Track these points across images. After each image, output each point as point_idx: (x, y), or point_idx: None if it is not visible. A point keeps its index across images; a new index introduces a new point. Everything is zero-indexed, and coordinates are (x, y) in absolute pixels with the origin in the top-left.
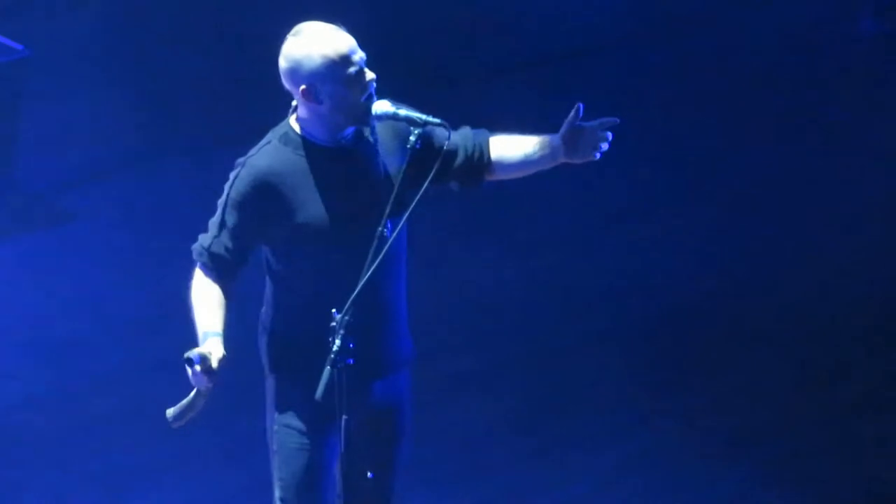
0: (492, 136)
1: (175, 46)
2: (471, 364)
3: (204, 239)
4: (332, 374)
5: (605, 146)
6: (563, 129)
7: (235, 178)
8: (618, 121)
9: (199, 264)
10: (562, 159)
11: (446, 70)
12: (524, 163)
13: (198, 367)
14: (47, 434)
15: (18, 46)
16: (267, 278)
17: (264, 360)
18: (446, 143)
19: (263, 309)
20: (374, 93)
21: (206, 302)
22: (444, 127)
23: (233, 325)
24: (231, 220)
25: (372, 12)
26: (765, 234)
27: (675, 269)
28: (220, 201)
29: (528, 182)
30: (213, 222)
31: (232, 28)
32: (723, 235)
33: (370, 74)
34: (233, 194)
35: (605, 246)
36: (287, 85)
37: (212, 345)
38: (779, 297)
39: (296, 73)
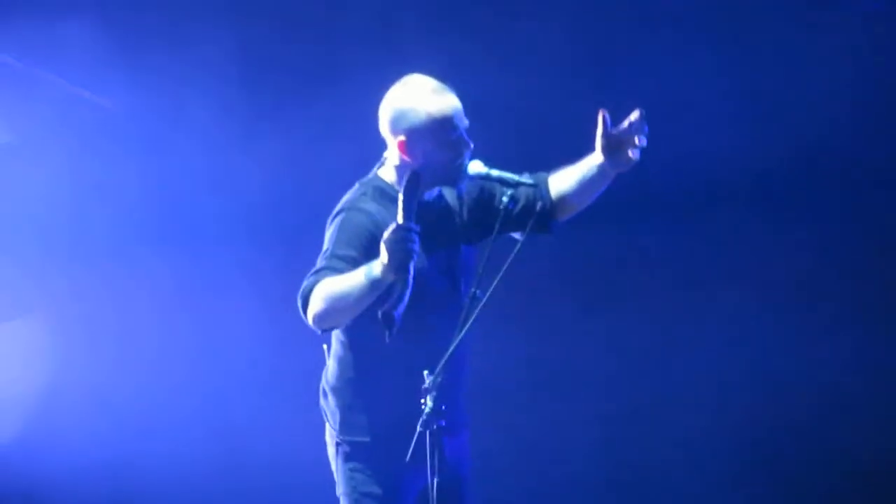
0: (549, 175)
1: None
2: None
3: (315, 270)
4: (423, 436)
5: (642, 141)
6: (597, 142)
7: (343, 220)
8: (643, 111)
9: (309, 289)
10: (611, 172)
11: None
12: (581, 190)
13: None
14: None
15: (106, 102)
16: (338, 337)
17: (333, 423)
18: (504, 199)
19: (332, 370)
20: (467, 159)
21: (338, 282)
22: (536, 187)
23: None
24: (342, 250)
25: None
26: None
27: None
28: (329, 242)
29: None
30: (323, 256)
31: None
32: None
33: (469, 144)
34: (343, 235)
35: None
36: (384, 132)
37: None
38: None
39: (397, 123)
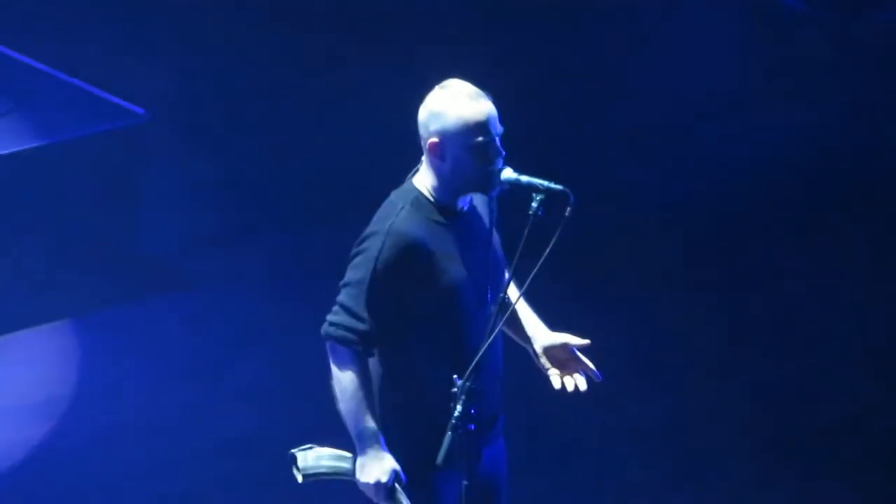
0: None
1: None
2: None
3: (349, 319)
4: (452, 439)
5: (580, 383)
6: (554, 341)
7: (381, 248)
8: (599, 378)
9: (344, 347)
10: (531, 351)
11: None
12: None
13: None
14: (169, 500)
15: (139, 110)
16: (375, 355)
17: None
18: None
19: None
20: (500, 167)
21: (362, 393)
22: (567, 194)
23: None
24: (378, 295)
25: None
26: None
27: None
28: (362, 273)
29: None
30: (358, 299)
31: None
32: None
33: (500, 151)
34: (379, 266)
35: None
36: (420, 134)
37: (389, 464)
38: None
39: (429, 124)
